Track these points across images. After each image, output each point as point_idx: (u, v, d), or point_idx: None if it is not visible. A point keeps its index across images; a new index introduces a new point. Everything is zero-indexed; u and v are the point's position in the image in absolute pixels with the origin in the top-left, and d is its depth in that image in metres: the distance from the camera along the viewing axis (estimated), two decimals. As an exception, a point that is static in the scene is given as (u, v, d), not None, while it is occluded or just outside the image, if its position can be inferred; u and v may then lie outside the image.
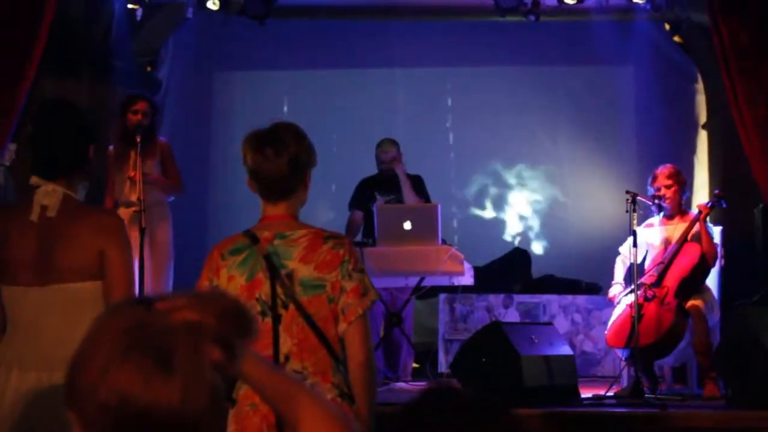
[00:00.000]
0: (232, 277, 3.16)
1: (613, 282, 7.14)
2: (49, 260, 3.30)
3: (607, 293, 7.23)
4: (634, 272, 6.59)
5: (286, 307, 3.12)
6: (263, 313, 3.11)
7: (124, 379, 1.40)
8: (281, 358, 3.09)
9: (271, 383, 1.64)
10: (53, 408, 3.05)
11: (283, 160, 3.17)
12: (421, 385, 7.30)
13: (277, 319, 3.11)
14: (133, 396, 1.39)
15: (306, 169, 3.23)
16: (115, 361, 1.41)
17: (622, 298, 6.96)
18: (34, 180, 3.38)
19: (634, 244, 6.65)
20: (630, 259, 6.89)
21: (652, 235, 7.06)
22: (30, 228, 3.33)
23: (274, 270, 3.12)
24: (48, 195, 3.35)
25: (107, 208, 6.61)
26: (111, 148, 7.10)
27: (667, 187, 6.96)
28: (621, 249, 7.18)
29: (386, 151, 7.78)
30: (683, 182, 7.06)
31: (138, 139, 6.82)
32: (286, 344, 3.10)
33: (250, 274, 3.15)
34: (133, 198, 6.81)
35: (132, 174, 6.83)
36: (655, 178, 7.01)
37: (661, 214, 7.08)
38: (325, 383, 3.08)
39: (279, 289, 3.12)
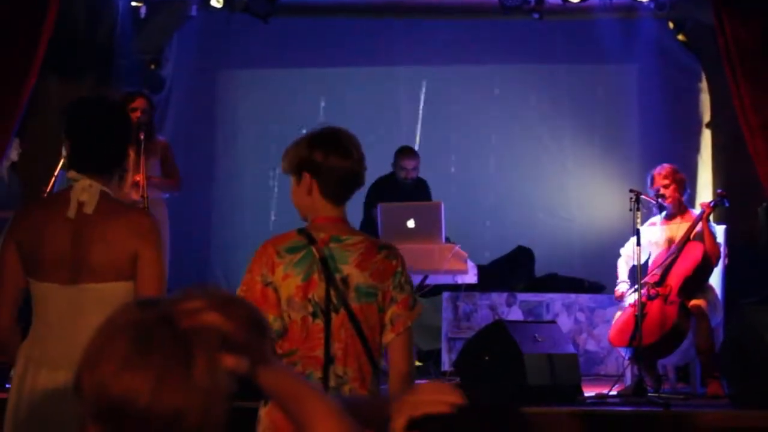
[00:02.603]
0: (288, 276, 3.14)
1: (618, 281, 7.13)
2: (84, 258, 3.27)
3: (613, 291, 7.21)
4: (638, 271, 6.59)
5: (336, 311, 3.12)
6: (314, 315, 3.12)
7: (136, 379, 1.40)
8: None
9: (284, 388, 1.64)
10: None
11: (348, 162, 3.18)
12: (423, 383, 7.29)
13: (328, 322, 3.12)
14: (143, 396, 1.39)
15: (362, 175, 3.26)
16: (130, 359, 1.41)
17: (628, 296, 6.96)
18: (71, 174, 3.34)
19: (638, 243, 6.65)
20: (633, 259, 6.90)
21: (655, 234, 7.06)
22: (66, 224, 3.29)
23: (329, 273, 3.13)
24: (85, 190, 3.31)
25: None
26: None
27: (665, 186, 6.93)
28: (622, 251, 7.15)
29: (411, 159, 7.87)
30: (681, 180, 7.03)
31: (141, 137, 6.82)
32: (332, 347, 3.12)
33: (306, 275, 3.13)
34: (136, 197, 6.81)
35: (137, 178, 6.81)
36: (653, 180, 6.99)
37: (663, 213, 7.07)
38: (363, 390, 3.11)
39: (332, 293, 3.12)
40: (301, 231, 3.20)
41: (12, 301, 3.35)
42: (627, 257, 7.09)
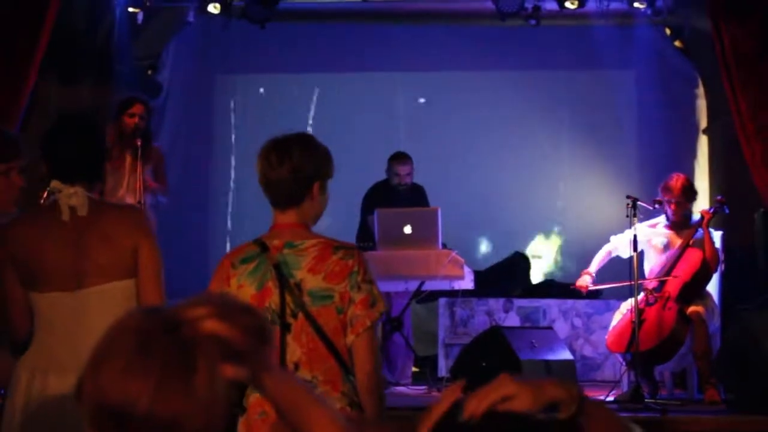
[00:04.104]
0: (242, 286, 3.17)
1: (584, 271, 7.05)
2: (88, 261, 3.30)
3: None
4: (635, 276, 6.59)
5: (295, 316, 3.12)
6: (272, 322, 3.11)
7: (136, 385, 1.40)
8: (290, 367, 3.10)
9: (286, 395, 1.63)
10: None
11: (284, 169, 3.17)
12: (420, 389, 7.30)
13: (285, 329, 3.12)
14: (142, 402, 1.39)
15: (312, 180, 3.21)
16: (130, 366, 1.41)
17: (616, 304, 6.96)
18: (55, 184, 3.36)
19: (635, 248, 6.65)
20: (619, 251, 6.93)
21: (655, 236, 7.05)
22: (63, 231, 3.31)
23: (283, 279, 3.13)
24: (73, 196, 3.33)
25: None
26: None
27: (678, 203, 6.89)
28: (613, 238, 7.11)
29: (404, 165, 7.87)
30: (694, 197, 7.01)
31: (138, 143, 6.83)
32: (295, 353, 3.11)
33: (260, 284, 3.16)
34: (132, 202, 6.82)
35: (138, 183, 6.81)
36: (668, 190, 6.91)
37: (664, 216, 7.06)
38: (335, 392, 3.10)
39: (288, 299, 3.12)
40: (256, 240, 3.23)
41: (27, 307, 3.36)
42: (615, 247, 7.06)
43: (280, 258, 3.16)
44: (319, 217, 3.32)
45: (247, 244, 3.25)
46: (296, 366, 3.11)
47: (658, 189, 6.98)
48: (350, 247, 3.22)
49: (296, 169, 3.18)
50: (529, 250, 9.80)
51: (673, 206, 6.91)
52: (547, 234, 10.02)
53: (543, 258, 9.92)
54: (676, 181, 6.92)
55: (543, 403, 1.51)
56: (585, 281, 6.99)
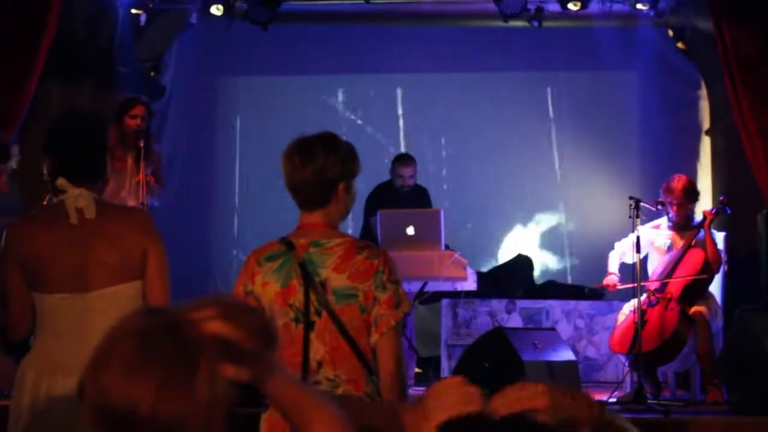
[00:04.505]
0: (266, 284, 3.18)
1: (609, 271, 7.13)
2: (95, 262, 3.30)
3: (611, 297, 7.21)
4: (637, 277, 6.59)
5: (319, 314, 3.14)
6: (296, 320, 3.14)
7: (138, 386, 1.40)
8: (313, 365, 3.12)
9: (288, 397, 1.64)
10: None
11: (308, 171, 3.17)
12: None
13: (309, 327, 3.13)
14: (144, 403, 1.39)
15: (338, 181, 3.20)
16: (132, 366, 1.41)
17: (619, 305, 6.97)
18: (61, 181, 3.36)
19: (638, 249, 6.66)
20: (626, 256, 6.92)
21: (658, 237, 7.05)
22: (72, 233, 3.31)
23: (308, 277, 3.14)
24: (78, 198, 3.34)
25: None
26: None
27: (680, 205, 6.91)
28: (617, 244, 7.16)
29: (408, 167, 7.87)
30: (696, 198, 7.02)
31: (141, 144, 6.84)
32: (319, 352, 3.13)
33: (284, 281, 3.17)
34: (133, 203, 6.83)
35: (140, 180, 6.81)
36: (670, 191, 6.93)
37: (667, 218, 7.06)
38: (358, 391, 3.11)
39: (312, 297, 3.14)
40: (282, 239, 3.23)
41: (28, 307, 3.36)
42: (621, 252, 7.09)
43: (306, 256, 3.17)
44: (345, 216, 3.34)
45: (273, 242, 3.25)
46: (319, 364, 3.12)
47: (660, 190, 6.98)
48: (375, 247, 3.25)
49: (320, 171, 3.18)
50: (531, 251, 9.79)
51: (675, 207, 6.91)
52: (549, 235, 10.01)
53: (545, 259, 9.91)
54: (678, 182, 6.92)
55: (562, 417, 1.53)
56: (612, 280, 7.04)
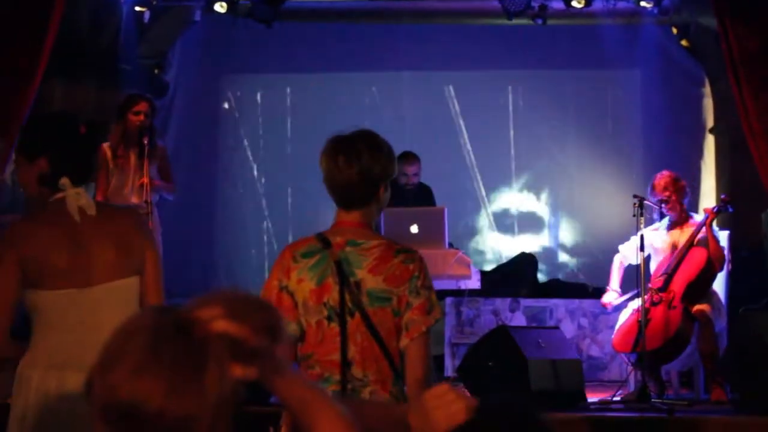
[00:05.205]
0: (301, 280, 3.17)
1: (608, 287, 7.11)
2: (97, 258, 3.33)
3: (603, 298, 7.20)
4: (641, 276, 6.59)
5: (352, 314, 3.13)
6: (329, 318, 3.14)
7: (147, 384, 1.40)
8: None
9: (294, 395, 1.64)
10: None
11: (353, 170, 3.15)
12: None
13: (344, 326, 3.13)
14: (153, 401, 1.39)
15: (380, 181, 3.19)
16: (142, 365, 1.41)
17: (623, 304, 6.96)
18: (64, 181, 3.38)
19: (641, 248, 6.65)
20: (629, 259, 6.94)
21: (658, 240, 7.05)
22: (74, 230, 3.34)
23: (343, 277, 3.14)
24: (79, 196, 3.37)
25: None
26: (105, 145, 7.00)
27: (666, 198, 6.91)
28: (621, 247, 7.14)
29: (412, 165, 7.86)
30: (681, 189, 6.98)
31: (145, 141, 6.83)
32: (349, 351, 3.13)
33: (320, 279, 3.16)
34: (137, 201, 6.82)
35: (144, 180, 6.81)
36: (652, 188, 6.96)
37: (666, 219, 7.06)
38: (384, 392, 3.12)
39: (347, 297, 3.13)
40: (319, 235, 3.22)
41: (13, 307, 3.36)
42: (624, 257, 7.08)
43: (342, 255, 3.16)
44: (378, 216, 3.33)
45: (310, 237, 3.24)
46: (349, 364, 3.12)
47: (648, 194, 6.98)
48: (412, 251, 3.22)
49: (365, 171, 3.15)
50: (534, 249, 9.78)
51: (665, 205, 6.91)
52: (554, 233, 10.01)
53: (548, 257, 9.91)
54: (660, 179, 6.94)
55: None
56: (610, 297, 7.02)
